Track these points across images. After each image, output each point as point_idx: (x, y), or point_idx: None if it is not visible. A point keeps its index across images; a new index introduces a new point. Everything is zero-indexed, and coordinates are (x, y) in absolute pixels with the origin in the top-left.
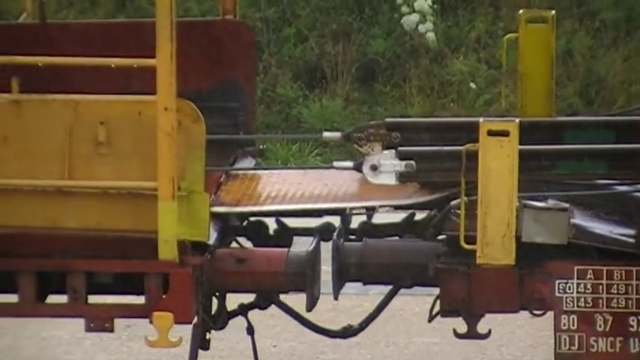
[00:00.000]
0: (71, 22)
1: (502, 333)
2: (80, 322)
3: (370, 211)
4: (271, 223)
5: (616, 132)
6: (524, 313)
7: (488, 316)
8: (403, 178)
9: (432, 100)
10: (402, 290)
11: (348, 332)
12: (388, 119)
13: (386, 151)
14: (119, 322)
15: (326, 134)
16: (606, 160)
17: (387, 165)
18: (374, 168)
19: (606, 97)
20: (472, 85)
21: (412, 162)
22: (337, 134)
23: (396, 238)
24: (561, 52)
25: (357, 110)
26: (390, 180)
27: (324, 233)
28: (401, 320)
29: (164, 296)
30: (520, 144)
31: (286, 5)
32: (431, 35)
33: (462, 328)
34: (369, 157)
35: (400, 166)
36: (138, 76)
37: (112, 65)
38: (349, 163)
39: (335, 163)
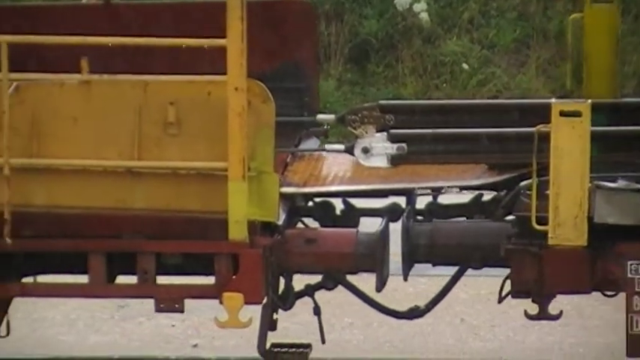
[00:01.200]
0: (137, 3)
1: (495, 313)
2: (72, 302)
3: (438, 191)
4: (337, 204)
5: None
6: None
7: (479, 297)
8: (395, 160)
9: (425, 81)
10: (393, 271)
11: (414, 313)
12: (382, 101)
13: (378, 134)
14: (112, 303)
15: (320, 116)
16: None
17: (379, 148)
18: (365, 151)
19: None
20: (465, 65)
21: (403, 145)
22: (331, 117)
23: (463, 219)
24: (554, 32)
25: (350, 91)
26: (382, 163)
27: (392, 214)
28: (394, 301)
29: (234, 277)
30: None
31: None
32: (424, 15)
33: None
34: (361, 139)
35: (392, 148)
36: (203, 57)
37: (183, 46)
38: (341, 146)
39: (327, 146)
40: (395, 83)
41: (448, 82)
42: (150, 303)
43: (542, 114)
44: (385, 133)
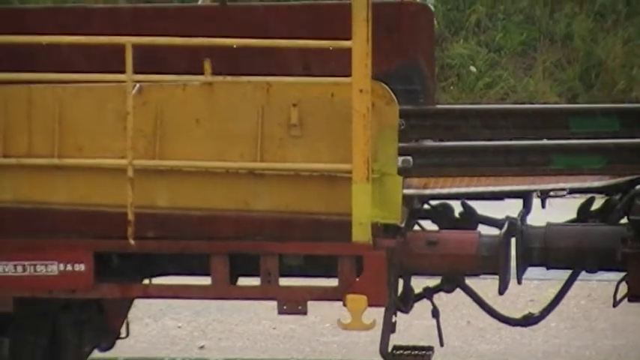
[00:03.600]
0: (252, 5)
1: None
2: None
3: (558, 193)
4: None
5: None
6: (522, 297)
7: (487, 299)
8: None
9: None
10: None
11: (529, 320)
12: None
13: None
14: None
15: None
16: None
17: None
18: None
19: (606, 80)
20: (472, 68)
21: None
22: None
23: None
24: (561, 35)
25: None
26: None
27: (510, 224)
28: (506, 305)
29: (357, 279)
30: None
31: None
32: None
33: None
34: None
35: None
36: (315, 59)
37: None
38: None
39: None
40: None
41: (455, 84)
42: (156, 304)
43: None
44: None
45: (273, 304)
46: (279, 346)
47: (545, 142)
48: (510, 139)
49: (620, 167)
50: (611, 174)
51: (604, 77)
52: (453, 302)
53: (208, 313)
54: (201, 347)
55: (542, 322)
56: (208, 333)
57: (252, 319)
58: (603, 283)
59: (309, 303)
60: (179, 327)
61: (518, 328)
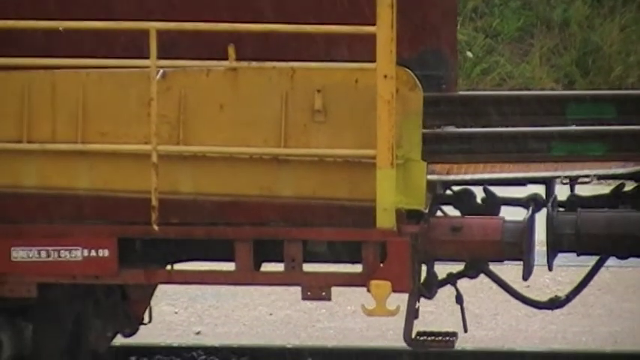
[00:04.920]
0: None
1: (497, 302)
2: None
3: (583, 179)
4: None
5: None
6: (518, 284)
7: (482, 285)
8: None
9: None
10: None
11: (555, 304)
12: None
13: None
14: None
15: None
16: None
17: None
18: None
19: (603, 66)
20: (469, 54)
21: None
22: None
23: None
24: (558, 21)
25: None
26: None
27: (534, 203)
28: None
29: (382, 265)
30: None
31: None
32: None
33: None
34: None
35: None
36: (339, 44)
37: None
38: None
39: None
40: None
41: None
42: None
43: None
44: None
45: (269, 289)
46: (275, 332)
47: (544, 128)
48: (506, 126)
49: (620, 154)
50: (612, 160)
51: (601, 63)
52: (448, 289)
53: (204, 299)
54: (198, 333)
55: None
56: (205, 319)
57: (248, 304)
58: (599, 271)
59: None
60: (175, 313)
61: (515, 314)
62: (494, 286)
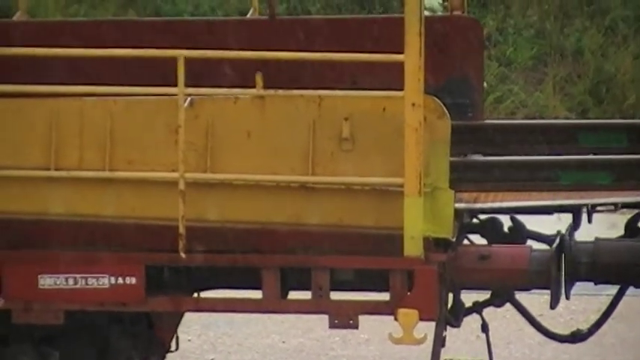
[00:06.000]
0: (299, 18)
1: (510, 331)
2: None
3: (612, 206)
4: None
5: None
6: (534, 311)
7: (495, 314)
8: None
9: None
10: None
11: (577, 337)
12: None
13: None
14: None
15: None
16: None
17: None
18: None
19: (616, 95)
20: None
21: None
22: None
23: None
24: (572, 50)
25: None
26: None
27: (564, 233)
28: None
29: (409, 293)
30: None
31: (297, 1)
32: None
33: None
34: None
35: None
36: (364, 72)
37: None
38: None
39: None
40: None
41: None
42: None
43: None
44: None
45: (283, 317)
46: None
47: (552, 157)
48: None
49: (627, 183)
50: (620, 189)
51: (614, 92)
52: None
53: (217, 327)
54: None
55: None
56: (218, 346)
57: (261, 332)
58: (611, 297)
59: (316, 316)
60: (189, 340)
61: (528, 343)
62: (508, 314)
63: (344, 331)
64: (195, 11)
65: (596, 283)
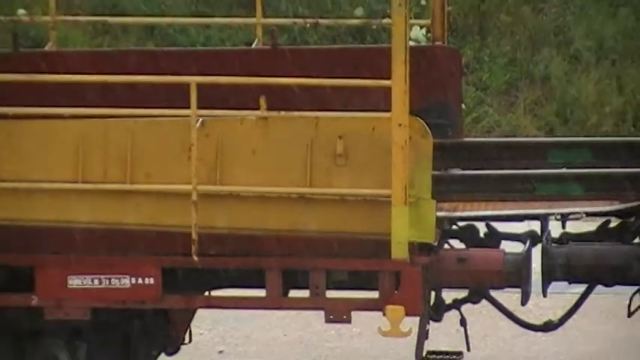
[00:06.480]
0: (301, 48)
1: (485, 325)
2: None
3: (575, 215)
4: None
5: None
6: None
7: (473, 310)
8: None
9: None
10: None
11: (549, 326)
12: None
13: None
14: None
15: None
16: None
17: None
18: None
19: (580, 116)
20: (461, 105)
21: None
22: None
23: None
24: (540, 76)
25: None
26: None
27: (532, 239)
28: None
29: (396, 292)
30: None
31: (297, 33)
32: None
33: None
34: None
35: None
36: (357, 96)
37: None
38: None
39: None
40: None
41: None
42: None
43: None
44: None
45: (284, 313)
46: (289, 351)
47: (528, 171)
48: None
49: (597, 194)
50: (590, 199)
51: (578, 113)
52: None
53: (226, 322)
54: (221, 352)
55: (523, 331)
56: (226, 339)
57: (264, 327)
58: (576, 296)
59: (313, 312)
60: (201, 334)
61: (502, 337)
62: (484, 310)
63: (339, 326)
64: (207, 42)
65: (570, 282)
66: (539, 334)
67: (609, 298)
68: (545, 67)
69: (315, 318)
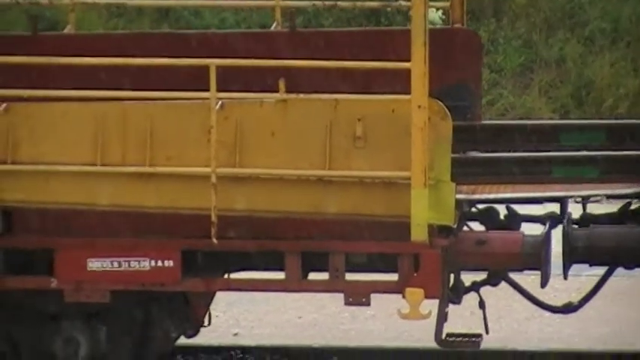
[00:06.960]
0: (318, 30)
1: (500, 307)
2: None
3: (595, 198)
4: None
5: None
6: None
7: (488, 292)
8: None
9: None
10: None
11: (568, 308)
12: None
13: None
14: None
15: None
16: None
17: None
18: None
19: (595, 98)
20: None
21: None
22: None
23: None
24: (555, 58)
25: None
26: None
27: (552, 220)
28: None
29: (415, 274)
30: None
31: (312, 15)
32: None
33: None
34: None
35: None
36: (376, 78)
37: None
38: None
39: None
40: None
41: None
42: None
43: None
44: None
45: (299, 296)
46: (303, 333)
47: (545, 153)
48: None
49: (612, 176)
50: (606, 182)
51: (593, 95)
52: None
53: (241, 304)
54: (235, 334)
55: (537, 313)
56: (241, 322)
57: (279, 309)
58: (591, 278)
59: (327, 295)
60: (216, 316)
61: (516, 318)
62: (499, 292)
63: (353, 308)
64: (222, 24)
65: (590, 265)
66: (554, 315)
67: (623, 280)
68: (560, 49)
69: (330, 300)
